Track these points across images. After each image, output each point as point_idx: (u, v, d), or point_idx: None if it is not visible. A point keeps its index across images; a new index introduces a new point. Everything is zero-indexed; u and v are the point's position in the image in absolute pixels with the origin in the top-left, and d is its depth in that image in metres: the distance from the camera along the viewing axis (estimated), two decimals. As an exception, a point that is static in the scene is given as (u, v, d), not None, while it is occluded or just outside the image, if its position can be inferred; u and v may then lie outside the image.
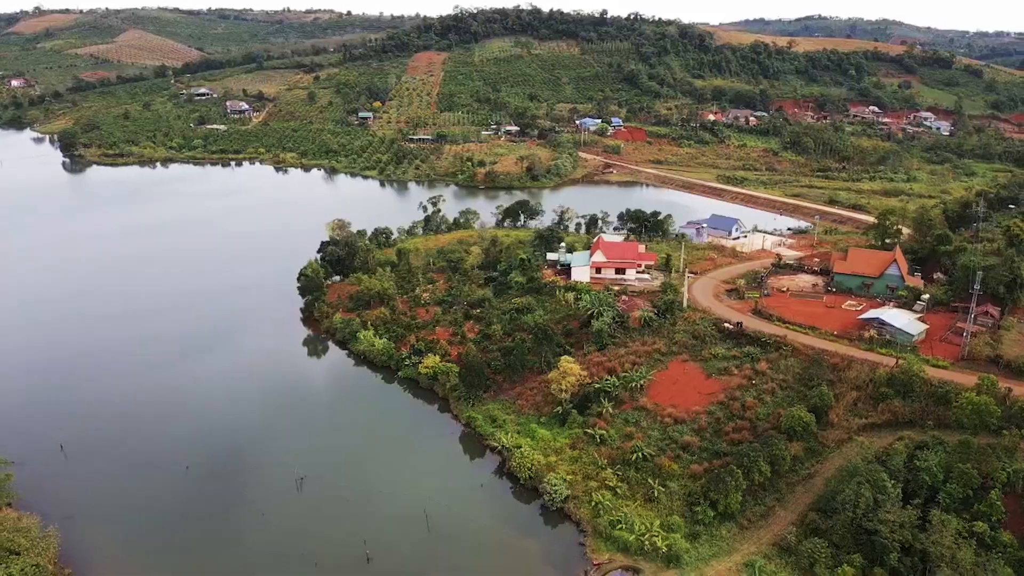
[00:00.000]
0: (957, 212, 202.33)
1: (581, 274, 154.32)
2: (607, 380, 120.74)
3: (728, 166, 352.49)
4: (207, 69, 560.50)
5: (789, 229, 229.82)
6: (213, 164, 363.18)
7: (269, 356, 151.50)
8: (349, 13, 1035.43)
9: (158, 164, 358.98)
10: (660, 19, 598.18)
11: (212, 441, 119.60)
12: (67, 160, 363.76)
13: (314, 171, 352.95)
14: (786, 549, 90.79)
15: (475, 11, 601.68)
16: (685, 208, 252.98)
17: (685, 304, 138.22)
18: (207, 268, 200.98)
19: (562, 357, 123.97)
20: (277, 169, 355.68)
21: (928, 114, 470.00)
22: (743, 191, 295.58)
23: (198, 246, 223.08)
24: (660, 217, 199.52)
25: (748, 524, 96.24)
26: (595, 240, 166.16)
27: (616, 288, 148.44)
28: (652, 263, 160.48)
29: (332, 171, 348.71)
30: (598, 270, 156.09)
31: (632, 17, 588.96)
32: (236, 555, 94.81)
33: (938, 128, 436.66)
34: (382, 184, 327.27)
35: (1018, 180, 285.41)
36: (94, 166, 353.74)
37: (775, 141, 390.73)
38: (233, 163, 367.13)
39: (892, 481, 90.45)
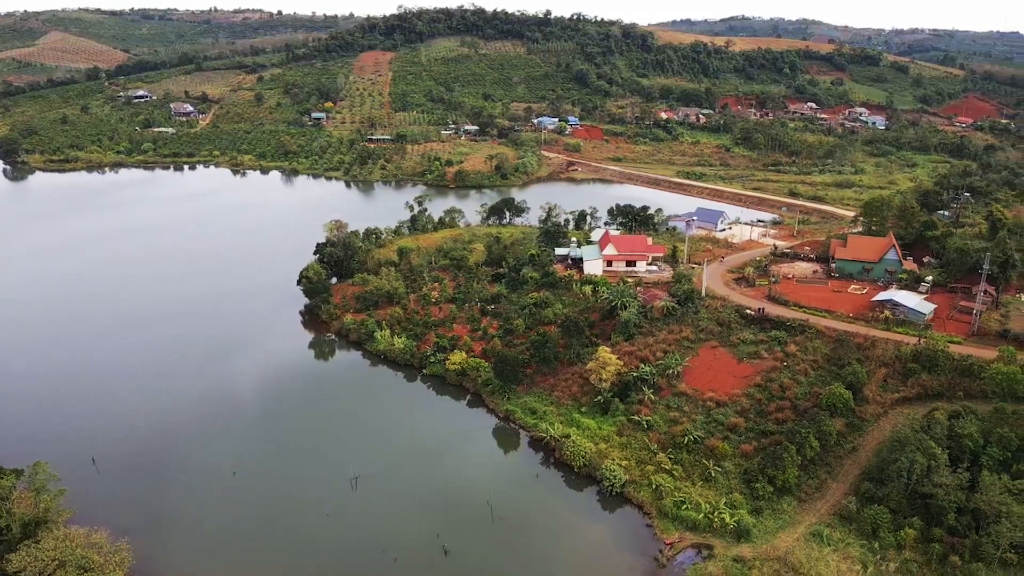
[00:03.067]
0: (920, 201, 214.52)
1: (594, 267, 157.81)
2: (644, 368, 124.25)
3: (684, 162, 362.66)
4: (142, 71, 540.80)
5: (760, 221, 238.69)
6: (165, 168, 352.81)
7: (284, 360, 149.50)
8: (280, 13, 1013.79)
9: (107, 169, 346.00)
10: (603, 19, 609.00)
11: (247, 445, 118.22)
12: (8, 167, 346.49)
13: (273, 173, 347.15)
14: (847, 517, 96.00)
15: (418, 11, 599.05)
16: (655, 203, 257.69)
17: (703, 293, 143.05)
18: (191, 275, 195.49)
19: (599, 348, 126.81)
20: (234, 172, 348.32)
21: (862, 109, 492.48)
22: (708, 186, 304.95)
23: (176, 252, 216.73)
24: (650, 211, 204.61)
25: (805, 497, 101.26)
26: (603, 234, 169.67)
27: (631, 280, 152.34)
28: (661, 255, 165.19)
29: (293, 173, 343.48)
30: (609, 263, 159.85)
31: (575, 17, 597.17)
32: (311, 556, 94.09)
33: (873, 123, 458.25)
34: (348, 185, 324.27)
35: (957, 170, 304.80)
36: (38, 173, 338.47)
37: (726, 137, 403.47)
38: (186, 166, 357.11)
39: (939, 448, 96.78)
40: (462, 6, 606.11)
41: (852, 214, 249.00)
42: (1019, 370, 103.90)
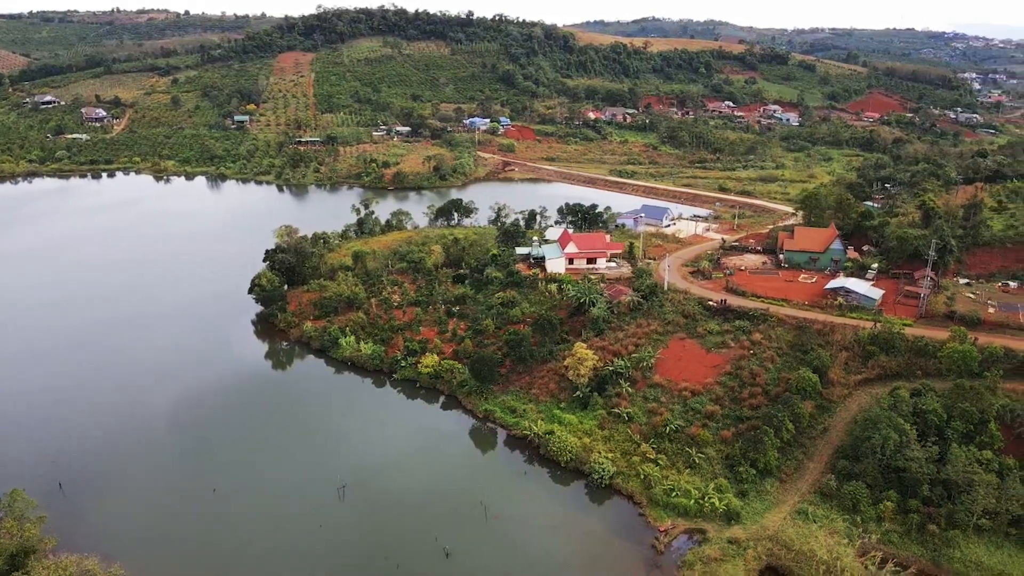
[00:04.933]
0: (850, 192, 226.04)
1: (556, 265, 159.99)
2: (618, 362, 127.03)
3: (615, 161, 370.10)
4: (47, 75, 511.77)
5: (697, 216, 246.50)
6: (83, 176, 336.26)
7: (246, 371, 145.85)
8: (187, 13, 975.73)
9: (20, 179, 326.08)
10: (525, 20, 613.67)
11: (220, 461, 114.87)
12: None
13: (199, 179, 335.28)
14: (827, 495, 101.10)
15: (338, 11, 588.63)
16: (595, 201, 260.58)
17: (666, 287, 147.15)
18: (129, 289, 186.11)
19: (576, 344, 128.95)
20: (157, 178, 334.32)
21: (775, 107, 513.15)
22: (642, 184, 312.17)
23: (108, 266, 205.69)
24: (599, 210, 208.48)
25: (786, 478, 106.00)
26: (562, 233, 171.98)
27: (594, 277, 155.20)
28: (619, 252, 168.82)
29: (221, 178, 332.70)
30: (571, 261, 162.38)
31: (497, 18, 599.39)
32: (312, 569, 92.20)
33: (787, 120, 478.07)
34: (280, 189, 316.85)
35: (871, 163, 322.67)
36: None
37: (653, 136, 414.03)
38: (105, 174, 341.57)
39: (908, 424, 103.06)
40: (383, 6, 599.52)
41: (782, 207, 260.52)
42: (972, 348, 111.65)
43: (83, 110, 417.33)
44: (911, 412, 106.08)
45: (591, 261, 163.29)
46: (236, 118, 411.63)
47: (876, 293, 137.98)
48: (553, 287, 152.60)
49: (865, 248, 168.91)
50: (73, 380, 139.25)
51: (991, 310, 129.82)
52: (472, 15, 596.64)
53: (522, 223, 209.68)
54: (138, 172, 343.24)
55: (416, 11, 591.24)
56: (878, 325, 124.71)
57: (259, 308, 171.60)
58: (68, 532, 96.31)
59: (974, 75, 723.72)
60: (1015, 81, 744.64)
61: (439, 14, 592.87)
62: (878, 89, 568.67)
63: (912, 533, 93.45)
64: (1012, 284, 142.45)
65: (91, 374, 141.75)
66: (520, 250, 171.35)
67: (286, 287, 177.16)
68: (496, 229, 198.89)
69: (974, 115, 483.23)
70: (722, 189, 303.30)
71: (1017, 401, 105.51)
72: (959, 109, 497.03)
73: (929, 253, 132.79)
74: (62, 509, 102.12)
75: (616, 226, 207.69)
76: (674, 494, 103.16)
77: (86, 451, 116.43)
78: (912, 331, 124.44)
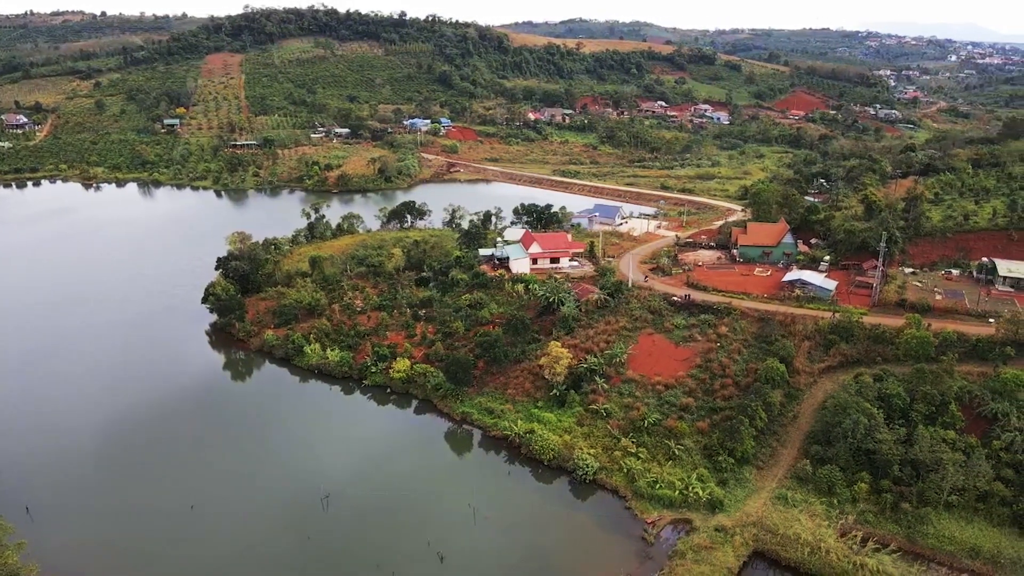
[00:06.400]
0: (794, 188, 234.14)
1: (521, 266, 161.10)
2: (592, 359, 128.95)
3: (557, 161, 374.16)
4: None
5: (644, 214, 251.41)
6: (7, 185, 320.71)
7: (209, 384, 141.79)
8: (104, 14, 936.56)
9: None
10: (458, 21, 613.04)
11: (192, 477, 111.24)
12: None
13: (131, 186, 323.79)
14: (803, 479, 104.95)
15: (267, 11, 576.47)
16: (544, 201, 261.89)
17: (631, 284, 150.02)
18: (66, 305, 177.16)
19: (551, 343, 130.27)
20: (87, 186, 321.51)
21: (706, 106, 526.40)
22: (586, 183, 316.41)
23: (40, 281, 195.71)
24: (554, 210, 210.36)
25: (763, 465, 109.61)
26: (524, 233, 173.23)
27: (559, 276, 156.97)
28: (581, 251, 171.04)
29: (155, 184, 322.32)
30: (535, 261, 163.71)
31: (430, 19, 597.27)
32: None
33: (718, 119, 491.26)
34: (219, 194, 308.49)
35: (800, 159, 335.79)
36: None
37: (592, 136, 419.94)
38: (31, 183, 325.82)
39: (875, 408, 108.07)
40: (313, 6, 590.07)
41: (724, 203, 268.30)
42: (929, 334, 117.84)
43: (3, 117, 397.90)
44: (876, 396, 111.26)
45: (555, 261, 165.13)
46: (166, 122, 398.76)
47: (831, 284, 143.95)
48: (520, 287, 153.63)
49: (813, 241, 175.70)
50: (23, 398, 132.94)
51: (938, 297, 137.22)
52: (405, 15, 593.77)
53: (478, 224, 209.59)
54: (65, 180, 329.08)
55: (347, 11, 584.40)
56: (837, 315, 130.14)
57: (213, 318, 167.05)
58: (44, 558, 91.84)
59: (889, 72, 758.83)
60: (927, 77, 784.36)
61: (371, 14, 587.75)
62: (801, 88, 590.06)
63: (886, 512, 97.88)
64: (954, 272, 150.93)
65: (43, 390, 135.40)
66: (483, 251, 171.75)
67: (241, 295, 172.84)
68: (453, 231, 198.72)
69: (893, 111, 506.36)
70: (664, 187, 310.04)
71: (973, 382, 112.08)
72: (878, 105, 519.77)
73: (879, 245, 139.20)
74: (33, 534, 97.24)
75: (572, 225, 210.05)
76: (658, 486, 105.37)
77: (48, 472, 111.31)
78: (868, 319, 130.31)
